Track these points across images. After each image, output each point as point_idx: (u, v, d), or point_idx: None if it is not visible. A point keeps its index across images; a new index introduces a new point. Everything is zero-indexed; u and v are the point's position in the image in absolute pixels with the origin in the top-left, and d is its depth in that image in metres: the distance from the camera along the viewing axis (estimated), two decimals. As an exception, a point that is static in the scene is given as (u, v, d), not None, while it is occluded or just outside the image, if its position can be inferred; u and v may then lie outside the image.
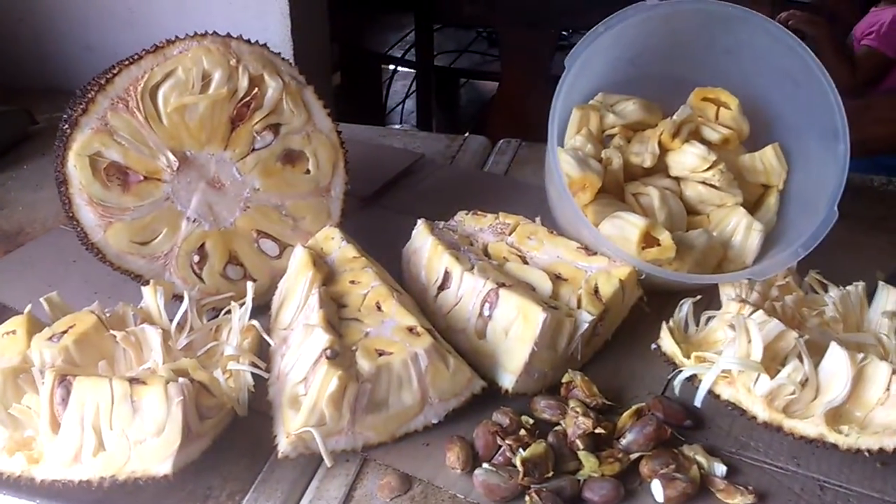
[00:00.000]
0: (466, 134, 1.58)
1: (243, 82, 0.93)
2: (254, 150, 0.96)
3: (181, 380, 0.72)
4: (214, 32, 0.92)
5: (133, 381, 0.72)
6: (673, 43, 1.01)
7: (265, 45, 0.96)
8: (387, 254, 1.03)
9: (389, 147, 1.51)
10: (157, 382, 0.71)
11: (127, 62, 0.88)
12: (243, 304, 0.88)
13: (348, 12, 3.14)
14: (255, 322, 0.87)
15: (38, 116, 1.50)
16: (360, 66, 3.43)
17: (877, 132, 1.18)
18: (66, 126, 0.87)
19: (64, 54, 1.70)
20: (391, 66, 3.29)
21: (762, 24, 0.95)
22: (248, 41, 0.94)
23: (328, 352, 0.76)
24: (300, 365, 0.79)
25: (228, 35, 0.94)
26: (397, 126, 2.63)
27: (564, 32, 2.54)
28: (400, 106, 3.50)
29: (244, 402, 0.81)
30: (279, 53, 0.98)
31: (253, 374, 0.82)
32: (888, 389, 0.75)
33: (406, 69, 3.16)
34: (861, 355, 0.76)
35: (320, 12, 1.89)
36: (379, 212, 1.26)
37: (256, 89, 0.94)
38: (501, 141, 1.54)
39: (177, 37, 0.91)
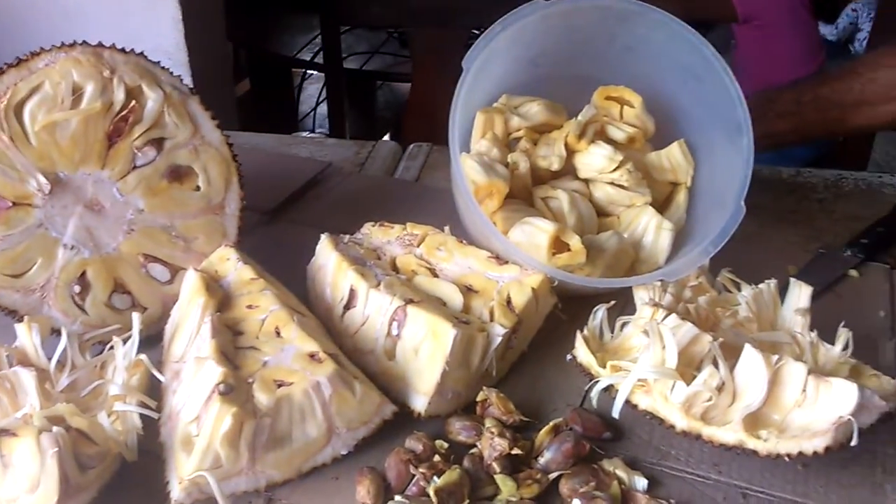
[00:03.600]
0: (376, 140, 1.53)
1: (119, 95, 0.86)
2: (135, 167, 0.89)
3: (55, 429, 0.65)
4: (84, 42, 0.85)
5: (2, 432, 0.65)
6: (573, 41, 0.99)
7: (142, 53, 0.90)
8: (292, 271, 0.97)
9: (295, 156, 1.45)
10: (29, 433, 0.64)
11: (-14, 78, 0.80)
12: (129, 337, 0.82)
13: (252, 15, 3.04)
14: (143, 356, 0.80)
15: None
16: (268, 72, 3.34)
17: (781, 126, 1.18)
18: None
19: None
20: (303, 70, 3.22)
21: (660, 18, 0.93)
22: (123, 50, 0.87)
23: (221, 386, 0.70)
24: (192, 402, 0.73)
25: (100, 44, 0.86)
26: (305, 133, 2.56)
27: (475, 31, 2.52)
28: (313, 112, 3.42)
29: (133, 446, 0.74)
30: (159, 62, 0.91)
31: (144, 413, 0.76)
32: (804, 391, 0.74)
33: (319, 73, 3.08)
34: (776, 357, 0.74)
35: (216, 16, 1.82)
36: (284, 226, 1.20)
37: (134, 102, 0.87)
38: (412, 146, 1.50)
39: (42, 48, 0.83)
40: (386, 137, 3.01)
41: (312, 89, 3.47)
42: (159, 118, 0.89)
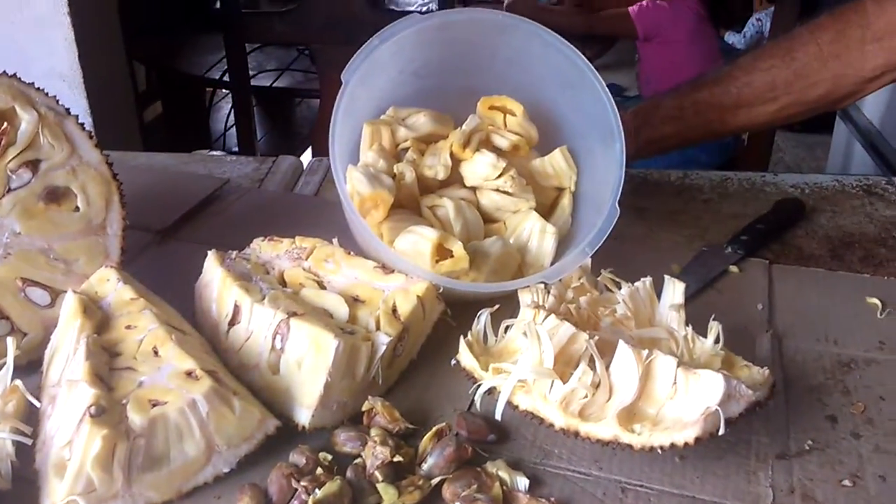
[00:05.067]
0: (276, 156, 1.53)
1: (-10, 117, 0.84)
2: (10, 190, 0.87)
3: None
4: (-51, 65, 0.84)
5: None
6: (454, 53, 1.00)
7: (14, 74, 0.88)
8: (183, 291, 0.96)
9: (192, 174, 1.44)
10: None
11: None
12: (3, 363, 0.80)
13: (159, 35, 3.01)
14: (18, 382, 0.79)
15: None
16: (179, 92, 3.30)
17: (665, 130, 1.22)
18: None
19: None
20: (213, 90, 3.18)
21: (533, 30, 0.96)
22: (-7, 72, 0.86)
23: (92, 409, 0.69)
24: (65, 426, 0.72)
25: (-34, 66, 0.85)
26: (205, 151, 2.53)
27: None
28: (225, 132, 3.38)
29: (7, 474, 0.72)
30: (33, 83, 0.90)
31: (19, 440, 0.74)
32: (675, 384, 0.76)
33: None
34: (646, 352, 0.77)
35: (112, 37, 1.79)
36: (177, 245, 1.18)
37: (6, 124, 0.85)
38: (312, 160, 1.50)
39: None
40: (307, 153, 2.99)
41: (227, 108, 3.44)
42: (34, 140, 0.87)
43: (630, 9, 2.81)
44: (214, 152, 2.52)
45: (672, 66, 2.76)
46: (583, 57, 0.95)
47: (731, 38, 4.72)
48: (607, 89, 0.95)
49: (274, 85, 2.91)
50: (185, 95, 3.31)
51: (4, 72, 0.87)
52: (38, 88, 0.89)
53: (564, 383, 0.77)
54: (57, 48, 1.56)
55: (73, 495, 0.67)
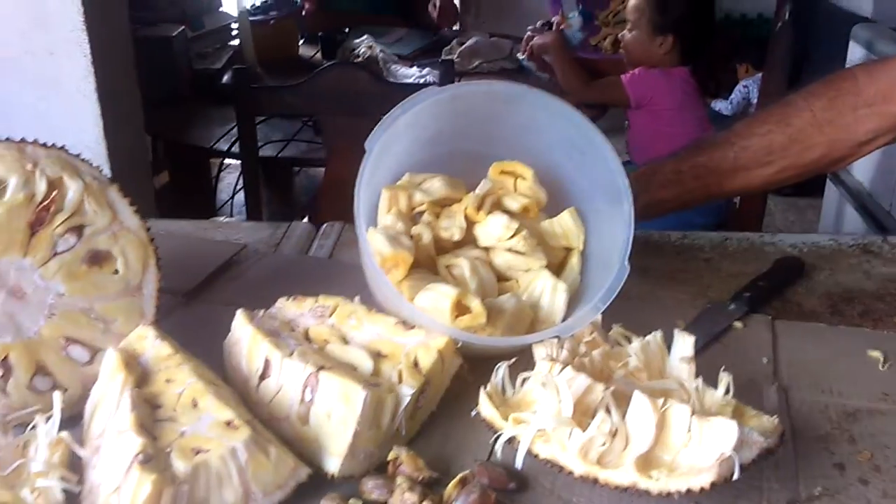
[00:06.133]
0: (290, 222, 1.59)
1: (41, 186, 0.90)
2: (56, 254, 0.92)
3: (-23, 506, 0.67)
4: (8, 138, 0.90)
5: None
6: (466, 122, 1.08)
7: (63, 147, 0.95)
8: (210, 350, 1.00)
9: (211, 240, 1.49)
10: (-51, 511, 0.66)
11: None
12: (50, 416, 0.84)
13: (170, 110, 3.10)
14: (64, 434, 0.83)
15: None
16: (186, 162, 3.38)
17: (664, 194, 1.28)
18: None
19: None
20: (222, 161, 3.26)
21: (541, 99, 1.03)
22: (45, 144, 0.92)
23: (140, 456, 0.73)
24: (112, 474, 0.76)
25: (23, 140, 0.91)
26: (222, 218, 2.60)
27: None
28: (231, 200, 3.45)
29: (55, 521, 0.76)
30: (79, 155, 0.96)
31: (66, 489, 0.78)
32: (690, 431, 0.80)
33: (236, 161, 3.14)
34: (661, 400, 0.81)
35: (134, 112, 1.88)
36: (201, 307, 1.23)
37: (56, 192, 0.92)
38: (325, 225, 1.56)
39: (-35, 145, 0.88)
40: (305, 220, 3.06)
41: (231, 178, 3.52)
42: (79, 206, 0.93)
43: (622, 77, 2.91)
44: (230, 219, 2.58)
45: (661, 133, 2.85)
46: (590, 122, 1.02)
47: (718, 104, 4.85)
48: (614, 152, 1.01)
49: (280, 155, 3.00)
50: (192, 165, 3.40)
51: (53, 144, 0.93)
52: (84, 159, 0.96)
53: (583, 432, 0.81)
54: (85, 123, 1.65)
55: (122, 539, 0.71)
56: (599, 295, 0.95)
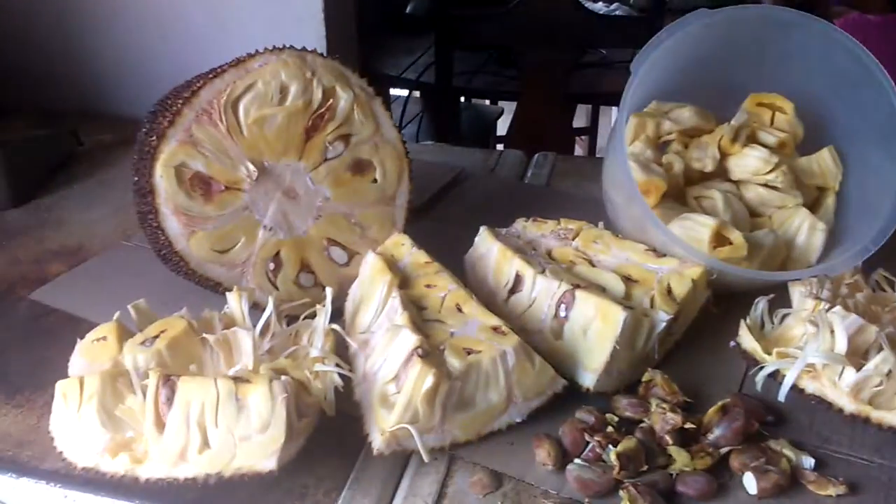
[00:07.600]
0: (501, 148, 1.60)
1: (318, 94, 0.95)
2: (326, 160, 0.97)
3: (283, 378, 0.73)
4: (291, 46, 0.95)
5: (237, 379, 0.73)
6: (729, 50, 1.03)
7: (338, 57, 0.99)
8: (443, 262, 1.04)
9: (425, 161, 1.53)
10: (262, 381, 0.72)
11: (210, 75, 0.90)
12: (321, 309, 0.90)
13: (359, 37, 3.17)
14: (335, 326, 0.88)
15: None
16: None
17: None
18: (153, 138, 0.88)
19: (98, 77, 1.72)
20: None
21: (822, 29, 0.97)
22: (322, 55, 0.97)
23: (419, 350, 0.77)
24: (389, 365, 0.80)
25: (304, 49, 0.96)
26: (429, 142, 2.65)
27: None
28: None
29: (332, 402, 0.81)
30: (350, 67, 1.00)
31: (341, 374, 0.83)
32: (972, 378, 0.76)
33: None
34: (942, 346, 0.77)
35: (350, 39, 1.94)
36: (429, 223, 1.27)
37: (330, 101, 0.96)
38: (537, 155, 1.57)
39: (257, 50, 0.93)
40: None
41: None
42: (349, 116, 0.97)
43: (836, 21, 2.72)
44: (440, 143, 2.63)
45: None
46: (871, 55, 0.96)
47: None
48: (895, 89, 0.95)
49: (470, 86, 3.01)
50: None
51: (330, 55, 0.98)
52: (353, 71, 1.00)
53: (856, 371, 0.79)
54: (308, 43, 1.70)
55: (403, 423, 0.76)
56: (872, 236, 0.91)
